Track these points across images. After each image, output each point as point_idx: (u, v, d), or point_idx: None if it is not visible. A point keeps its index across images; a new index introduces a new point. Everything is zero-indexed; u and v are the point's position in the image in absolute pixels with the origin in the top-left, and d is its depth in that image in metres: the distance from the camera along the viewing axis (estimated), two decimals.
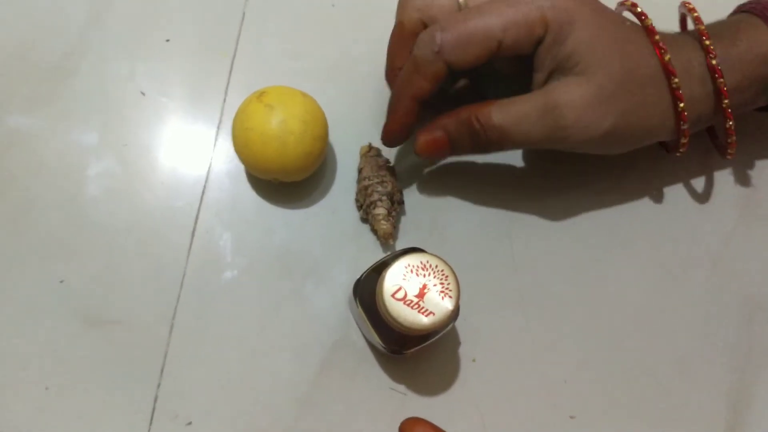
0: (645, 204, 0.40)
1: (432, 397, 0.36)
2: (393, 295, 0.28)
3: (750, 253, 0.39)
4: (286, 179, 0.37)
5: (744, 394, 0.36)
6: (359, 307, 0.31)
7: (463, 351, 0.36)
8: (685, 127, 0.33)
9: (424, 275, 0.28)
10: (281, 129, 0.34)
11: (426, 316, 0.28)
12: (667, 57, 0.32)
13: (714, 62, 0.32)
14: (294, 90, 0.36)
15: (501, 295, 0.37)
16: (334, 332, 0.36)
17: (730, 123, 0.34)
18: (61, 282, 0.37)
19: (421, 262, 0.28)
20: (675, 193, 0.40)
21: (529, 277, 0.38)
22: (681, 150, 0.35)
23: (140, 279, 0.37)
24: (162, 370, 0.35)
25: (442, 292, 0.28)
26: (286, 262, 0.38)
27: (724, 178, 0.40)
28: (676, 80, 0.32)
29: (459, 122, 0.34)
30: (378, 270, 0.31)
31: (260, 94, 0.35)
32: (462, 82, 0.40)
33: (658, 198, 0.40)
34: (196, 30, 0.42)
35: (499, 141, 0.33)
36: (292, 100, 0.35)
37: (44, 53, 0.41)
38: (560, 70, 0.32)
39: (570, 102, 0.32)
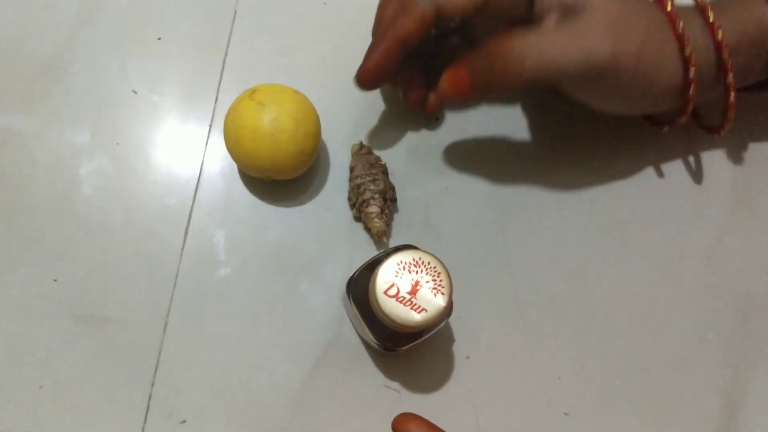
0: (639, 201, 0.40)
1: (426, 394, 0.36)
2: (385, 292, 0.28)
3: (744, 249, 0.39)
4: (279, 177, 0.37)
5: (738, 390, 0.36)
6: (352, 305, 0.31)
7: (457, 348, 0.36)
8: (692, 88, 0.33)
9: (417, 272, 0.28)
10: (273, 126, 0.34)
11: (418, 312, 0.28)
12: (680, 24, 0.32)
13: (720, 36, 0.32)
14: (286, 87, 0.36)
15: (495, 293, 0.37)
16: (328, 330, 0.36)
17: (732, 93, 0.33)
18: (55, 281, 0.37)
19: (414, 259, 0.28)
20: (668, 190, 0.40)
21: (523, 274, 0.38)
22: (683, 119, 0.35)
23: (134, 277, 0.37)
24: (156, 369, 0.35)
25: (434, 288, 0.28)
26: (279, 260, 0.38)
27: (717, 174, 0.40)
28: (689, 48, 0.32)
29: (483, 56, 0.33)
30: (371, 267, 0.31)
31: (252, 92, 0.35)
32: (455, 39, 0.38)
33: (651, 196, 0.40)
34: (187, 28, 0.42)
35: (520, 72, 0.31)
36: (284, 97, 0.35)
37: (35, 51, 0.41)
38: (568, 13, 0.32)
39: (590, 24, 0.31)
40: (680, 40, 0.32)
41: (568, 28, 0.31)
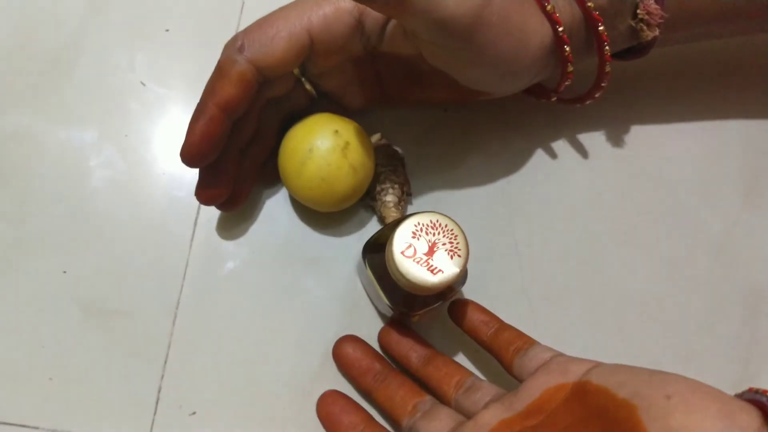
0: (648, 194, 0.39)
1: None
2: (402, 253, 0.28)
3: (754, 243, 0.38)
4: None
5: (747, 384, 0.36)
6: (368, 268, 0.31)
7: (468, 340, 0.36)
8: (567, 48, 0.31)
9: (434, 234, 0.29)
10: (354, 192, 0.35)
11: (434, 274, 0.28)
12: None
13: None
14: (368, 143, 0.35)
15: (504, 285, 0.37)
16: (337, 323, 0.36)
17: (607, 47, 0.32)
18: (64, 273, 0.37)
19: (431, 221, 0.29)
20: (678, 183, 0.40)
21: (532, 267, 0.38)
22: (567, 83, 0.34)
23: (143, 269, 0.37)
24: (165, 361, 0.36)
25: (451, 251, 0.28)
26: (288, 251, 0.38)
27: (727, 167, 0.40)
28: (550, 5, 0.30)
29: None
30: (387, 232, 0.31)
31: (344, 147, 0.34)
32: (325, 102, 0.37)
33: (661, 189, 0.40)
34: (195, 19, 0.42)
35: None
36: (369, 162, 0.35)
37: (44, 45, 0.41)
38: None
39: None
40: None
41: None
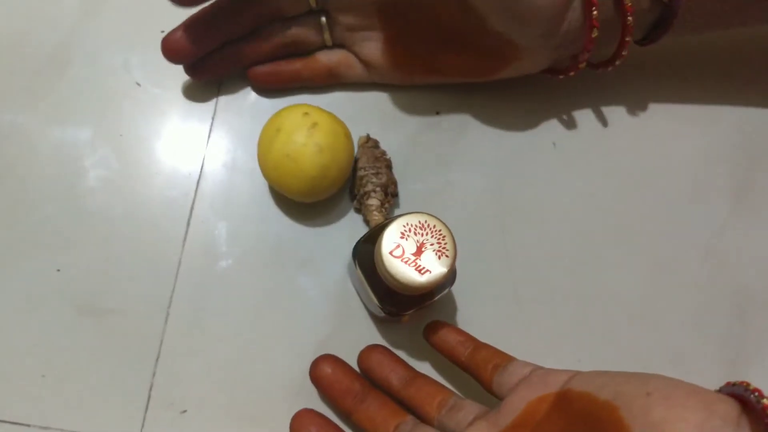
0: (638, 197, 0.40)
1: None
2: (391, 253, 0.28)
3: (742, 245, 0.39)
4: (297, 200, 0.37)
5: None
6: (358, 269, 0.32)
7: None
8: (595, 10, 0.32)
9: (422, 234, 0.29)
10: (321, 174, 0.34)
11: (422, 273, 0.28)
12: None
13: None
14: (340, 128, 0.35)
15: (494, 286, 0.38)
16: (328, 322, 0.37)
17: (630, 18, 0.33)
18: (58, 271, 0.37)
19: (420, 222, 0.29)
20: (667, 186, 0.40)
21: (522, 269, 0.38)
22: (586, 55, 0.35)
23: (136, 268, 0.37)
24: (157, 359, 0.36)
25: (438, 251, 0.29)
26: (280, 252, 0.38)
27: (716, 170, 0.40)
28: None
29: None
30: (376, 232, 0.31)
31: (312, 126, 0.34)
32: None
33: (651, 191, 0.40)
34: None
35: None
36: (339, 145, 0.35)
37: (40, 45, 0.42)
38: None
39: None
40: None
41: None
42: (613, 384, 0.25)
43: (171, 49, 0.37)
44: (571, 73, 0.37)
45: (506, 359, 0.31)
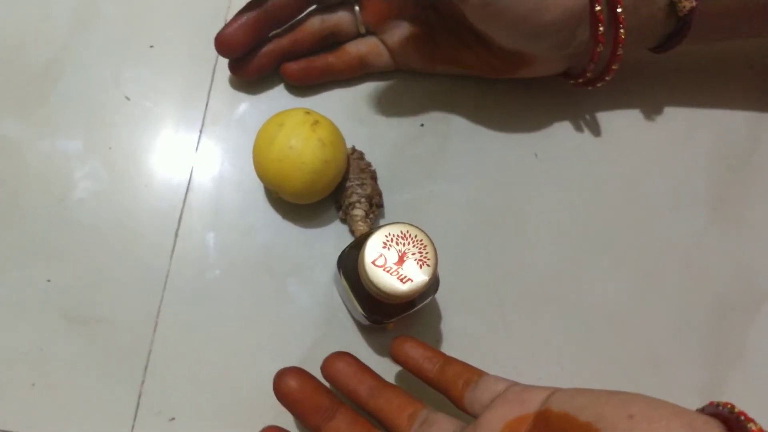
0: (619, 206, 0.40)
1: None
2: (373, 262, 0.29)
3: (721, 253, 0.39)
4: (290, 200, 0.38)
5: (715, 390, 0.37)
6: (342, 278, 0.32)
7: (444, 349, 0.37)
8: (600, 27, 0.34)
9: (404, 244, 0.30)
10: (322, 168, 0.35)
11: (404, 283, 0.29)
12: None
13: None
14: (338, 130, 0.37)
15: (477, 295, 0.38)
16: (315, 331, 0.37)
17: (622, 30, 0.34)
18: (48, 281, 0.38)
19: (401, 232, 0.30)
20: (648, 195, 0.41)
21: (505, 277, 0.39)
22: (593, 66, 0.36)
23: (125, 279, 0.38)
24: (146, 368, 0.36)
25: (420, 260, 0.29)
26: (268, 262, 0.39)
27: (695, 179, 0.41)
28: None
29: None
30: (360, 243, 0.32)
31: (314, 123, 0.35)
32: None
33: (631, 200, 0.41)
34: (179, 36, 0.43)
35: None
36: (340, 143, 0.36)
37: (30, 58, 0.42)
38: None
39: None
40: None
41: None
42: (593, 405, 0.24)
43: (225, 43, 0.38)
44: (580, 80, 0.39)
45: (476, 374, 0.30)
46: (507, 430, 0.27)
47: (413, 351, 0.32)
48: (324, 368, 0.33)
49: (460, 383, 0.30)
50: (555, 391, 0.27)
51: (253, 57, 0.40)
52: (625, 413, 0.23)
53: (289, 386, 0.32)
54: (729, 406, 0.22)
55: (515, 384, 0.29)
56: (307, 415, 0.31)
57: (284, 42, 0.40)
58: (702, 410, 0.24)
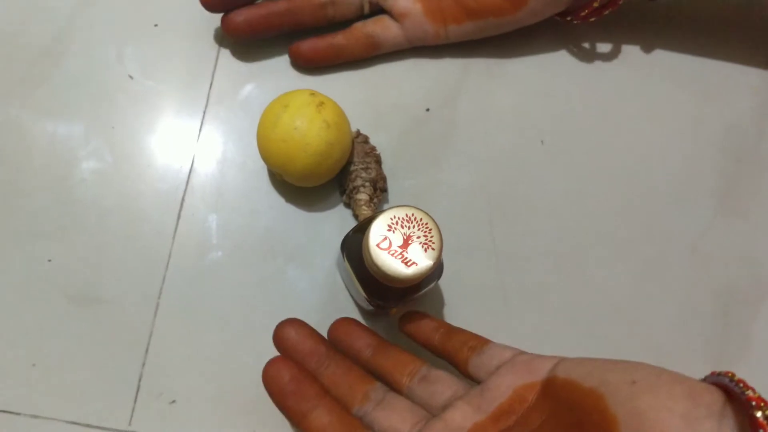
0: (625, 195, 0.40)
1: None
2: (378, 245, 0.29)
3: (726, 245, 0.39)
4: (293, 182, 0.37)
5: None
6: (346, 262, 0.32)
7: None
8: None
9: (409, 227, 0.29)
10: (327, 150, 0.35)
11: (408, 266, 0.29)
12: None
13: None
14: (343, 113, 0.37)
15: (481, 281, 0.38)
16: (316, 314, 0.37)
17: None
18: (50, 261, 0.37)
19: (407, 215, 0.29)
20: (655, 186, 0.40)
21: (509, 264, 0.38)
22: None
23: (127, 259, 0.38)
24: (147, 349, 0.36)
25: (425, 244, 0.29)
26: (270, 244, 0.38)
27: (703, 171, 0.41)
28: None
29: None
30: (364, 226, 0.31)
31: (319, 105, 0.35)
32: None
33: (637, 189, 0.40)
34: (183, 15, 0.43)
35: None
36: (345, 125, 0.36)
37: (33, 37, 0.42)
38: None
39: None
40: None
41: None
42: (598, 372, 0.25)
43: None
44: (583, 14, 0.39)
45: (484, 341, 0.31)
46: (515, 395, 0.27)
47: (422, 323, 0.33)
48: (331, 330, 0.34)
49: (465, 349, 0.31)
50: (562, 359, 0.28)
51: (247, 11, 0.39)
52: (629, 379, 0.23)
53: (287, 333, 0.32)
54: (729, 374, 0.23)
55: (522, 352, 0.30)
56: (303, 362, 0.32)
57: (281, 5, 0.39)
58: (704, 379, 0.24)
